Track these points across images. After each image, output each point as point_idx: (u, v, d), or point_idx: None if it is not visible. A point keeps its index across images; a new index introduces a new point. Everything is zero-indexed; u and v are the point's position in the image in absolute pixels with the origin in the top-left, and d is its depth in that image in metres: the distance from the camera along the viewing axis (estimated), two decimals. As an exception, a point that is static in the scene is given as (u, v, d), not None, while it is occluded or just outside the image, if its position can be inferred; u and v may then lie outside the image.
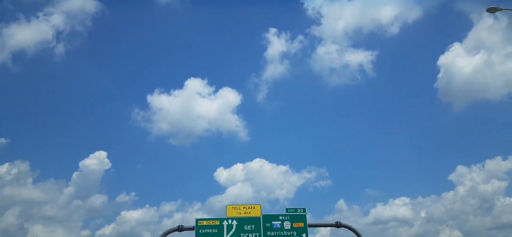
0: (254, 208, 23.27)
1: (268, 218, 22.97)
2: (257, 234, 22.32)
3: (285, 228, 22.59)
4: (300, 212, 23.30)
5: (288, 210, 23.32)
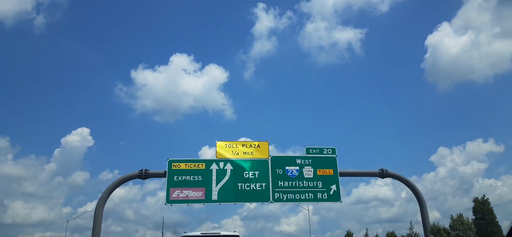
0: (258, 147, 15.41)
1: (280, 161, 15.21)
2: (264, 184, 14.63)
3: (306, 176, 14.92)
4: (328, 153, 15.61)
5: (310, 151, 15.58)
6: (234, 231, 9.61)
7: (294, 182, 14.80)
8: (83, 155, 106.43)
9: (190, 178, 14.35)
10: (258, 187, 14.53)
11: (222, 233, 9.36)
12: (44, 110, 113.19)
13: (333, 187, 14.86)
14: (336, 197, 14.71)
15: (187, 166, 14.61)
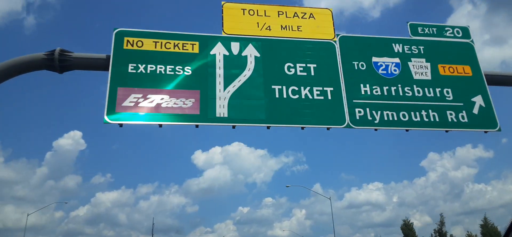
0: (313, 18, 7.23)
1: (360, 46, 7.11)
2: (329, 89, 6.57)
3: (416, 77, 6.90)
4: (456, 35, 7.49)
5: (419, 31, 7.44)
6: None
7: (393, 87, 6.75)
8: (75, 159, 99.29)
9: (164, 71, 6.21)
10: (318, 95, 6.47)
11: None
12: (35, 113, 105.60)
13: (478, 101, 6.83)
14: (488, 121, 6.72)
15: (158, 44, 6.43)
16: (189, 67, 6.37)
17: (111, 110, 5.86)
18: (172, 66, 6.33)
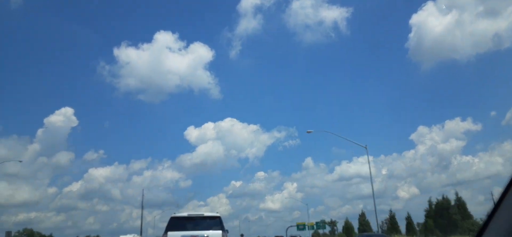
0: None
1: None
2: None
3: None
4: None
5: None
6: (216, 212, 11.37)
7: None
8: (67, 135, 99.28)
9: None
10: None
11: (206, 214, 11.22)
12: (25, 89, 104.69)
13: None
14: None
15: None
16: None
17: None
18: None
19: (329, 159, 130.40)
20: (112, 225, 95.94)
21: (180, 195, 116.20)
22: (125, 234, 39.03)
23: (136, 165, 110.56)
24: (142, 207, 54.03)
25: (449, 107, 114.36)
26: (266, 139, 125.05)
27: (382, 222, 58.15)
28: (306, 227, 75.44)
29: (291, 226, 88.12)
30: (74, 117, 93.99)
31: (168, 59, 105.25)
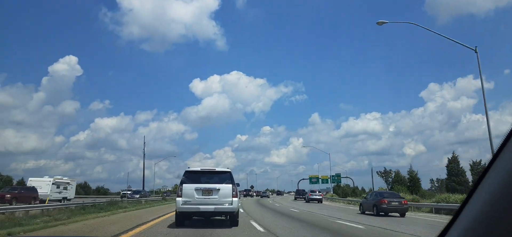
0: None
1: None
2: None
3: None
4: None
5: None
6: (227, 168, 12.25)
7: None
8: (72, 84, 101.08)
9: None
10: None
11: (217, 169, 12.13)
12: (28, 36, 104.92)
13: None
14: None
15: None
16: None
17: None
18: None
19: (336, 115, 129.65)
20: (119, 174, 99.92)
21: (186, 147, 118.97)
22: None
23: (142, 116, 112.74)
24: (144, 155, 52.51)
25: (462, 64, 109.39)
26: (272, 93, 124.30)
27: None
28: (320, 180, 75.22)
29: (303, 179, 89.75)
30: (78, 66, 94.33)
31: (172, 7, 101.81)
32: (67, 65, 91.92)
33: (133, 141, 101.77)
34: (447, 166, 50.82)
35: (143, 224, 12.86)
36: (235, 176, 12.16)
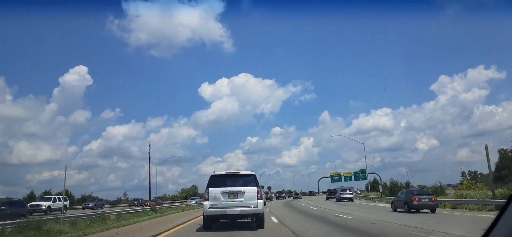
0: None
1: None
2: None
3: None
4: None
5: None
6: (251, 171, 12.39)
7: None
8: (83, 94, 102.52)
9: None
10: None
11: (242, 172, 12.30)
12: (37, 48, 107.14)
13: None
14: None
15: None
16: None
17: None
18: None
19: (346, 113, 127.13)
20: (133, 182, 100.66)
21: (197, 151, 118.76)
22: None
23: (153, 122, 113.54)
24: (149, 158, 50.33)
25: (472, 55, 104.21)
26: (281, 93, 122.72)
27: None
28: (342, 177, 73.46)
29: (324, 177, 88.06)
30: (88, 76, 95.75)
31: (178, 11, 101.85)
32: (77, 75, 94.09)
33: (145, 148, 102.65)
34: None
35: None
36: None
